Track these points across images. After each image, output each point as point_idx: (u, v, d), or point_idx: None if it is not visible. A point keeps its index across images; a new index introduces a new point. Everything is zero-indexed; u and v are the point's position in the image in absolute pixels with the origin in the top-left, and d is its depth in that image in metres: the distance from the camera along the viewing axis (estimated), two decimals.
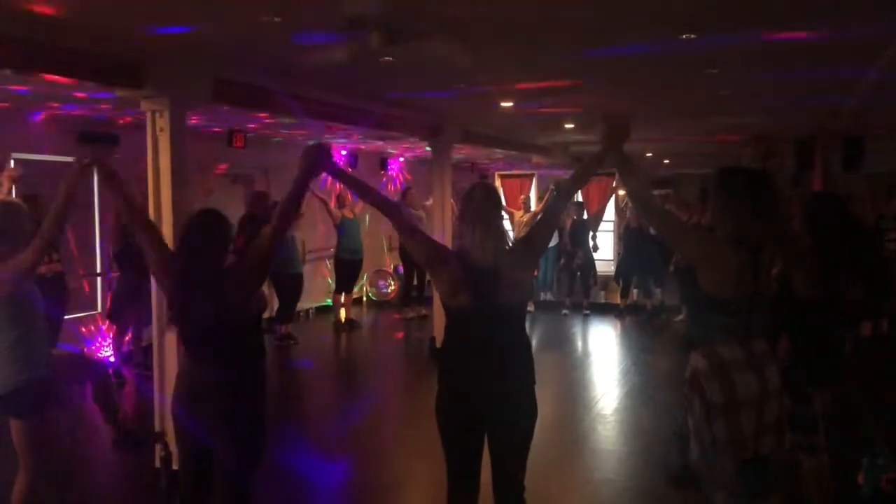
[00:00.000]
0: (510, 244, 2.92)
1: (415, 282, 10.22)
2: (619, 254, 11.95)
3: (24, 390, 3.16)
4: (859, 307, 3.67)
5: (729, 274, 2.62)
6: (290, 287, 8.23)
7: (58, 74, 4.06)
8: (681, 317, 9.41)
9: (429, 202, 8.88)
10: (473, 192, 2.96)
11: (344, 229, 9.09)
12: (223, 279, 2.88)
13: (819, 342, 3.31)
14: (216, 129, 7.74)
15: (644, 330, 9.70)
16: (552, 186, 9.66)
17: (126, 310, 6.71)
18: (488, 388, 2.81)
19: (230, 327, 2.90)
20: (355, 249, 9.22)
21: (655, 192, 16.28)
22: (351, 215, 9.21)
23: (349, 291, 9.46)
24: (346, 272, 9.22)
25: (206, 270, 2.86)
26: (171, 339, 4.48)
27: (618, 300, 10.70)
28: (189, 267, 2.87)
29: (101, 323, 7.36)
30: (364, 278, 11.26)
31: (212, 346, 2.93)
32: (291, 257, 8.10)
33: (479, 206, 2.88)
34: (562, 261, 11.14)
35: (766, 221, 2.67)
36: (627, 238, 10.52)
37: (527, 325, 3.06)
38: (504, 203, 12.82)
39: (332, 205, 9.02)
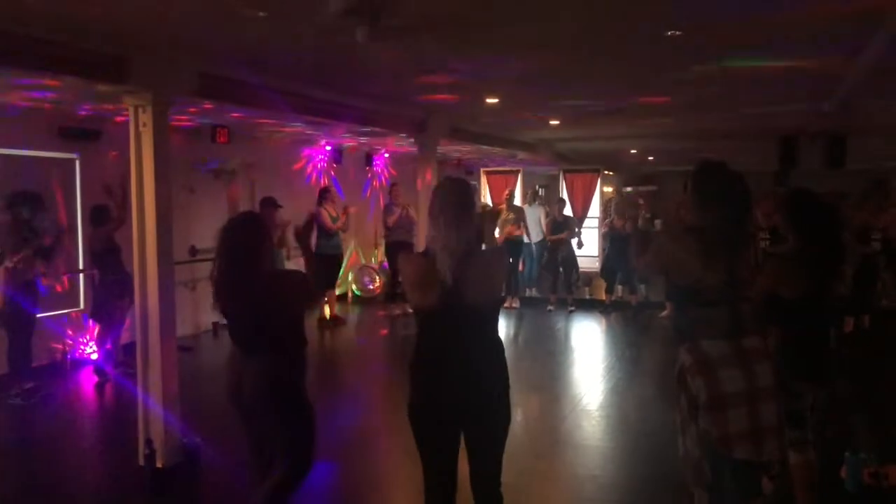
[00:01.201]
0: (483, 244, 2.87)
1: (400, 278, 10.18)
2: (604, 250, 12.00)
3: None
4: (844, 303, 3.70)
5: (694, 261, 2.65)
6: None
7: (35, 69, 3.99)
8: (665, 313, 9.47)
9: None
10: (444, 187, 2.81)
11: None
12: (255, 282, 3.08)
13: (806, 339, 3.32)
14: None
15: (630, 325, 9.75)
16: (538, 188, 9.68)
17: (109, 308, 6.63)
18: (460, 391, 2.72)
19: (258, 325, 3.12)
20: (335, 244, 9.17)
21: (642, 189, 16.28)
22: (335, 213, 9.16)
23: (332, 287, 9.40)
24: (327, 267, 9.13)
25: (238, 271, 3.08)
26: (156, 339, 4.44)
27: (602, 296, 10.76)
28: (224, 266, 3.09)
29: (84, 320, 7.28)
30: (349, 275, 11.22)
31: (244, 341, 3.19)
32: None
33: (449, 203, 2.71)
34: (545, 257, 11.18)
35: (738, 218, 2.70)
36: (611, 238, 10.59)
37: (500, 325, 2.96)
38: (490, 200, 12.97)
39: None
